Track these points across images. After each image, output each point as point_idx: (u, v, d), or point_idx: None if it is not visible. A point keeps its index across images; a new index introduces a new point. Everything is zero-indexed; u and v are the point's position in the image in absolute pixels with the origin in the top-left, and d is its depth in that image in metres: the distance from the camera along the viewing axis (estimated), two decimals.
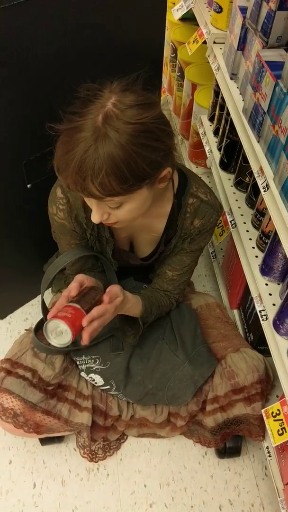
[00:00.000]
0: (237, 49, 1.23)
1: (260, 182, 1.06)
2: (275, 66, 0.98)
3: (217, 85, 1.59)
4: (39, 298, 1.78)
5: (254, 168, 1.10)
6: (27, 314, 1.72)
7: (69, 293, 0.89)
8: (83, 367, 1.22)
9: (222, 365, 1.22)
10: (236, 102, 1.24)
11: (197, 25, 1.56)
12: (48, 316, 0.84)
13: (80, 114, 0.80)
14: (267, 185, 1.02)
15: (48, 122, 0.81)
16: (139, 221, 1.05)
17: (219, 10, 1.37)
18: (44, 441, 1.34)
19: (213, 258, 1.76)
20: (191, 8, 1.61)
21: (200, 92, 1.86)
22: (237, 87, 1.28)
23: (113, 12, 1.22)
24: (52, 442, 1.35)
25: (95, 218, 0.88)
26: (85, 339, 0.85)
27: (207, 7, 1.51)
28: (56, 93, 1.10)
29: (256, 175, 1.08)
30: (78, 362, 1.22)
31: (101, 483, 1.32)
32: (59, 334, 0.84)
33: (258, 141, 1.10)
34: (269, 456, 1.22)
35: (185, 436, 1.39)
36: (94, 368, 1.21)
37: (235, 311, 1.53)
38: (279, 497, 1.14)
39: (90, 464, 1.34)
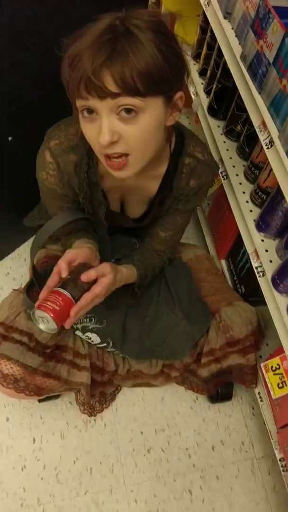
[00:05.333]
0: None
1: (262, 138, 1.01)
2: (285, 13, 0.91)
3: (205, 21, 1.48)
4: (18, 251, 1.72)
5: (255, 122, 1.05)
6: (8, 268, 1.67)
7: (60, 274, 0.88)
8: (79, 326, 1.21)
9: (217, 319, 1.24)
10: (232, 46, 1.16)
11: None
12: (36, 305, 0.85)
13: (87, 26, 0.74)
14: (270, 141, 0.98)
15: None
16: (132, 182, 1.01)
17: None
18: (41, 399, 1.36)
19: (198, 207, 1.73)
20: None
21: (182, 25, 1.72)
22: (232, 28, 1.19)
23: None
24: (49, 399, 1.36)
25: (105, 136, 0.77)
26: (66, 325, 0.86)
27: None
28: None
29: (257, 130, 1.04)
30: None
31: (99, 433, 1.36)
32: (45, 322, 0.85)
33: (260, 93, 1.04)
34: (261, 401, 1.29)
35: (176, 383, 1.44)
36: (90, 327, 1.21)
37: (223, 261, 1.54)
38: (272, 439, 1.22)
39: (87, 416, 1.37)
